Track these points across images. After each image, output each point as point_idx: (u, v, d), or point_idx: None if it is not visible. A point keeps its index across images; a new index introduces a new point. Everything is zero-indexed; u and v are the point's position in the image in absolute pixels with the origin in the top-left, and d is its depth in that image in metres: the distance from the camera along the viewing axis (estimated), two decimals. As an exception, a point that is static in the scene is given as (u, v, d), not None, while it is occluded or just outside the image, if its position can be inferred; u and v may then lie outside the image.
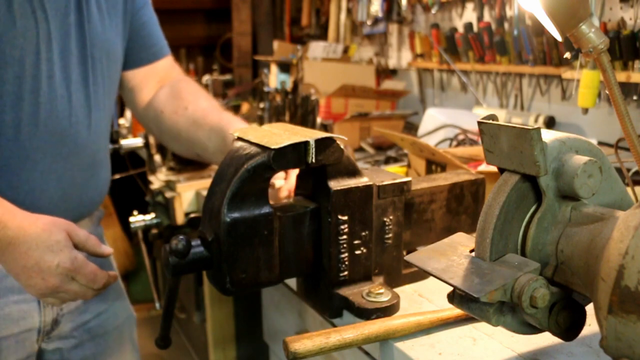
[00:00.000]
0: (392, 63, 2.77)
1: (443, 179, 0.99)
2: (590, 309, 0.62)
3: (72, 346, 1.16)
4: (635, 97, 1.59)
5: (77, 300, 0.96)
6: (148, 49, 1.27)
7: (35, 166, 1.01)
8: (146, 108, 1.29)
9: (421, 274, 0.95)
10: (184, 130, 1.23)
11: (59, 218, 0.92)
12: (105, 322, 1.22)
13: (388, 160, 1.82)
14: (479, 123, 0.67)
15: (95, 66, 1.09)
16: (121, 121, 2.59)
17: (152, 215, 1.75)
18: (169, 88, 1.28)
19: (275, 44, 3.11)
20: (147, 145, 1.77)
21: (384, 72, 2.78)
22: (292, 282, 1.01)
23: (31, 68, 0.99)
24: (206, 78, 2.65)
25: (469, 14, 2.21)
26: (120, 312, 1.28)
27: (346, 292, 0.87)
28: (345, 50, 2.88)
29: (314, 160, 0.81)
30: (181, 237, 0.79)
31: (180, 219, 1.64)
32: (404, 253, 0.93)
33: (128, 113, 2.53)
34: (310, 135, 0.82)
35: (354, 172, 0.87)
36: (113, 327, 1.24)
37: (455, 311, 0.81)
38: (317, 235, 0.87)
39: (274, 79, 2.72)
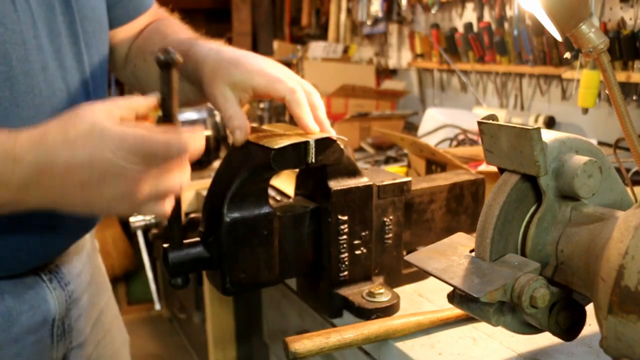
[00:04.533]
0: (392, 63, 2.77)
1: (443, 179, 0.99)
2: (590, 309, 0.62)
3: None
4: (635, 97, 1.59)
5: (177, 188, 0.71)
6: (127, 5, 1.03)
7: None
8: (124, 66, 1.08)
9: (421, 274, 0.95)
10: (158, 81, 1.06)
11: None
12: (103, 351, 1.07)
13: (388, 160, 1.82)
14: (479, 123, 0.67)
15: (89, 43, 0.88)
16: (121, 121, 2.58)
17: (152, 215, 1.75)
18: (142, 35, 1.06)
19: (275, 44, 3.11)
20: (147, 145, 1.76)
21: (384, 72, 2.79)
22: (292, 282, 1.01)
23: (21, 63, 0.77)
24: (206, 78, 2.64)
25: (469, 14, 2.21)
26: (117, 336, 1.14)
27: (346, 292, 0.87)
28: (345, 50, 2.88)
29: (313, 161, 0.81)
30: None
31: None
32: (404, 253, 0.93)
33: (128, 113, 2.52)
34: (310, 135, 0.82)
35: (354, 172, 0.87)
36: (109, 355, 1.10)
37: (455, 311, 0.81)
38: (317, 235, 0.87)
39: (274, 79, 2.71)
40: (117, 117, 0.67)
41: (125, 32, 1.04)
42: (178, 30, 1.02)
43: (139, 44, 1.03)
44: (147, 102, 0.73)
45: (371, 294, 0.85)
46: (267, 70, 0.83)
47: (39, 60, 0.78)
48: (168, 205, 0.72)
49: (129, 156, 0.64)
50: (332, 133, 0.84)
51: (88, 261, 1.02)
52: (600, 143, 1.61)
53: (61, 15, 0.82)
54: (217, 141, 1.73)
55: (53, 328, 0.89)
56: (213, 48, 0.87)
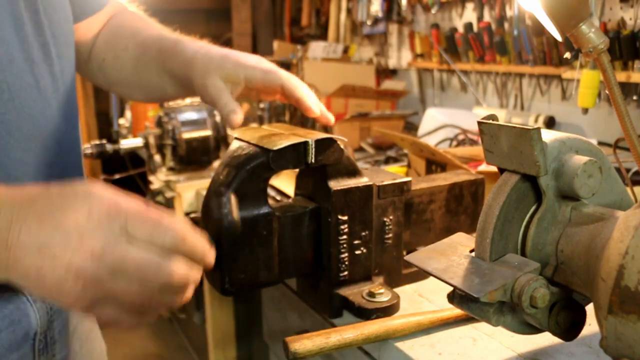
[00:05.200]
0: (392, 63, 2.77)
1: (442, 179, 0.99)
2: (590, 309, 0.62)
3: None
4: (635, 97, 1.59)
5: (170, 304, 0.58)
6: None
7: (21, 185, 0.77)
8: (87, 61, 1.03)
9: (421, 274, 0.95)
10: (132, 76, 0.97)
11: None
12: None
13: (388, 160, 1.82)
14: (479, 123, 0.67)
15: (55, 34, 0.82)
16: (121, 121, 2.59)
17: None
18: (108, 28, 1.02)
19: (275, 44, 3.11)
20: (147, 145, 1.77)
21: (384, 72, 2.79)
22: (292, 282, 1.01)
23: None
24: (206, 78, 2.64)
25: (469, 14, 2.21)
26: (96, 346, 1.05)
27: (346, 292, 0.87)
28: (345, 50, 2.88)
29: (313, 161, 0.81)
30: None
31: (180, 219, 1.64)
32: (404, 253, 0.93)
33: (128, 113, 2.53)
34: (310, 135, 0.82)
35: (354, 172, 0.87)
36: None
37: (455, 311, 0.80)
38: (316, 235, 0.87)
39: (274, 79, 2.71)
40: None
41: (88, 25, 1.00)
42: (146, 25, 1.02)
43: (107, 39, 1.02)
44: None
45: (371, 294, 0.85)
46: (259, 63, 0.86)
47: (5, 53, 0.72)
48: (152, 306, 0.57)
49: (116, 218, 0.54)
50: (329, 117, 0.88)
51: None
52: (600, 143, 1.61)
53: (23, 3, 0.76)
54: (217, 141, 1.73)
55: (35, 343, 0.83)
56: (203, 47, 0.89)
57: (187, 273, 0.56)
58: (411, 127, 2.29)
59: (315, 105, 0.85)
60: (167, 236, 0.55)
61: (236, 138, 0.87)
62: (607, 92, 0.98)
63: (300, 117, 1.95)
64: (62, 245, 0.53)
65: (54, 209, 0.55)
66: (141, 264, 0.54)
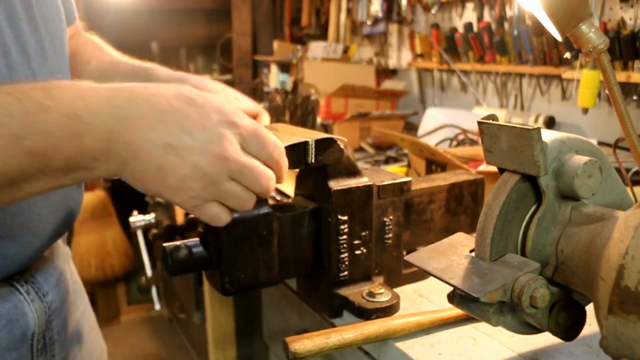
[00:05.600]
0: (392, 63, 2.77)
1: (442, 179, 0.99)
2: (590, 309, 0.62)
3: None
4: (635, 97, 1.59)
5: (266, 190, 0.66)
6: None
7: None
8: None
9: (421, 274, 0.95)
10: None
11: None
12: None
13: (388, 160, 1.82)
14: (479, 123, 0.67)
15: (50, 30, 0.83)
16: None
17: (152, 215, 1.75)
18: (69, 44, 1.03)
19: (275, 44, 3.11)
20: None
21: (384, 72, 2.79)
22: (292, 282, 1.01)
23: None
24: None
25: (469, 14, 2.21)
26: (95, 348, 1.05)
27: (346, 292, 0.87)
28: (345, 50, 2.88)
29: (313, 161, 0.81)
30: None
31: (180, 219, 1.65)
32: (404, 253, 0.93)
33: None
34: (310, 135, 0.82)
35: (354, 172, 0.87)
36: None
37: (455, 311, 0.81)
38: (316, 235, 0.87)
39: (274, 79, 2.72)
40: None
41: None
42: (107, 49, 1.09)
43: (72, 60, 1.03)
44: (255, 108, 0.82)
45: (371, 294, 0.85)
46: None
47: (1, 45, 0.73)
48: (247, 206, 0.66)
49: (235, 130, 0.61)
50: None
51: (65, 268, 0.96)
52: (600, 143, 1.61)
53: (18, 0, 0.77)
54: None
55: (33, 343, 0.83)
56: (175, 73, 0.96)
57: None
58: (411, 127, 2.30)
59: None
60: (273, 152, 0.65)
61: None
62: (607, 92, 0.98)
63: (300, 117, 1.95)
64: (190, 146, 0.58)
65: (176, 110, 0.59)
66: (255, 172, 0.63)
